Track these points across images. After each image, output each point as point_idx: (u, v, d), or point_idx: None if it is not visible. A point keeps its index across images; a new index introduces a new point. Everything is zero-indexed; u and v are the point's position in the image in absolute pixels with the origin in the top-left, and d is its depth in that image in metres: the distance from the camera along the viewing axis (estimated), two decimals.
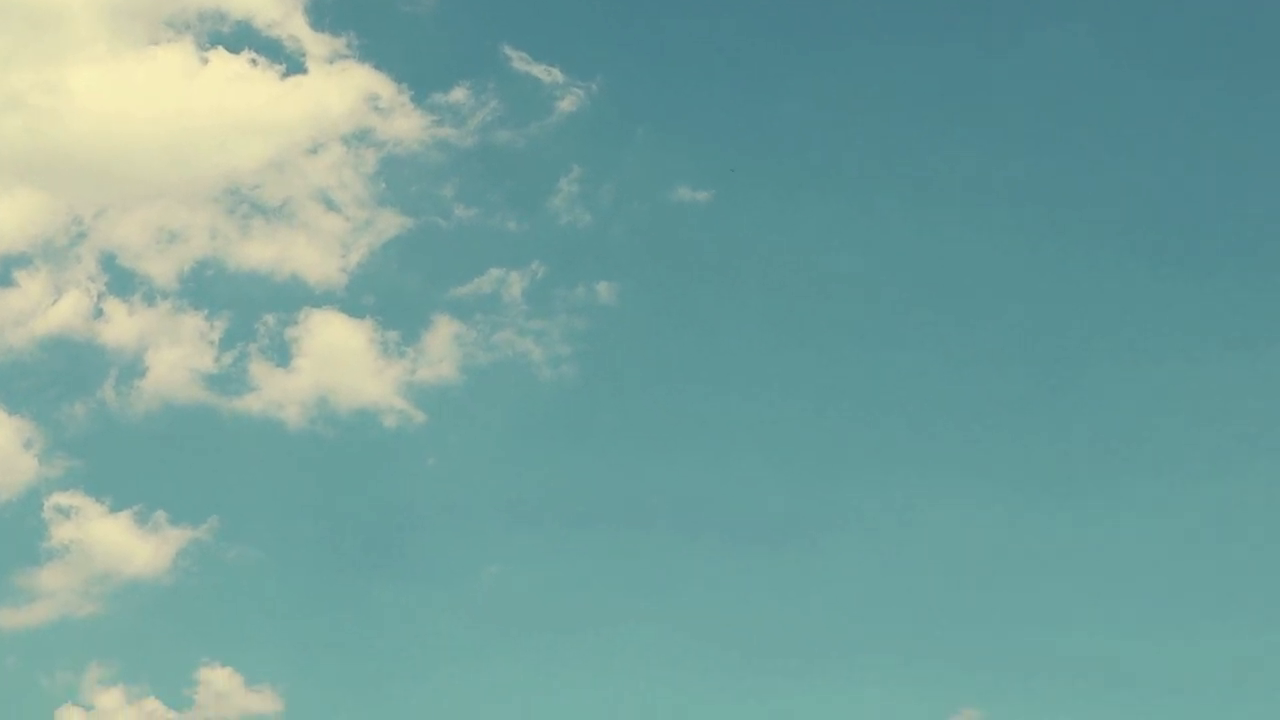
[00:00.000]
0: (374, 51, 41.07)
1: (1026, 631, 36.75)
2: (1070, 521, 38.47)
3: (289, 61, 40.71)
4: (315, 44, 40.83)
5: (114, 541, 36.43)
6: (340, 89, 40.53)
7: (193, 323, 38.81)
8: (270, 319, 38.98)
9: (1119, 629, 36.73)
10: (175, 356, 38.43)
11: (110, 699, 35.19)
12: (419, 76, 41.05)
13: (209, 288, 39.36)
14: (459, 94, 40.88)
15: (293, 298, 39.19)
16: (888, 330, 40.43)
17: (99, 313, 38.74)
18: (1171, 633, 36.90)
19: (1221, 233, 41.39)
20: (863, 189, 41.67)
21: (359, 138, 40.36)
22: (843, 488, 38.75)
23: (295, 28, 40.89)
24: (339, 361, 38.61)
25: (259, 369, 38.47)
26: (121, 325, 38.69)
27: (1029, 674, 36.22)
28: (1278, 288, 40.43)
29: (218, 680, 35.25)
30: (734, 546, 37.72)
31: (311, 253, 39.42)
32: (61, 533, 36.45)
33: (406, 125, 40.52)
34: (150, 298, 39.00)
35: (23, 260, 38.97)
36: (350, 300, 39.33)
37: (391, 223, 39.87)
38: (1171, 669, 36.43)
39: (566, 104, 40.93)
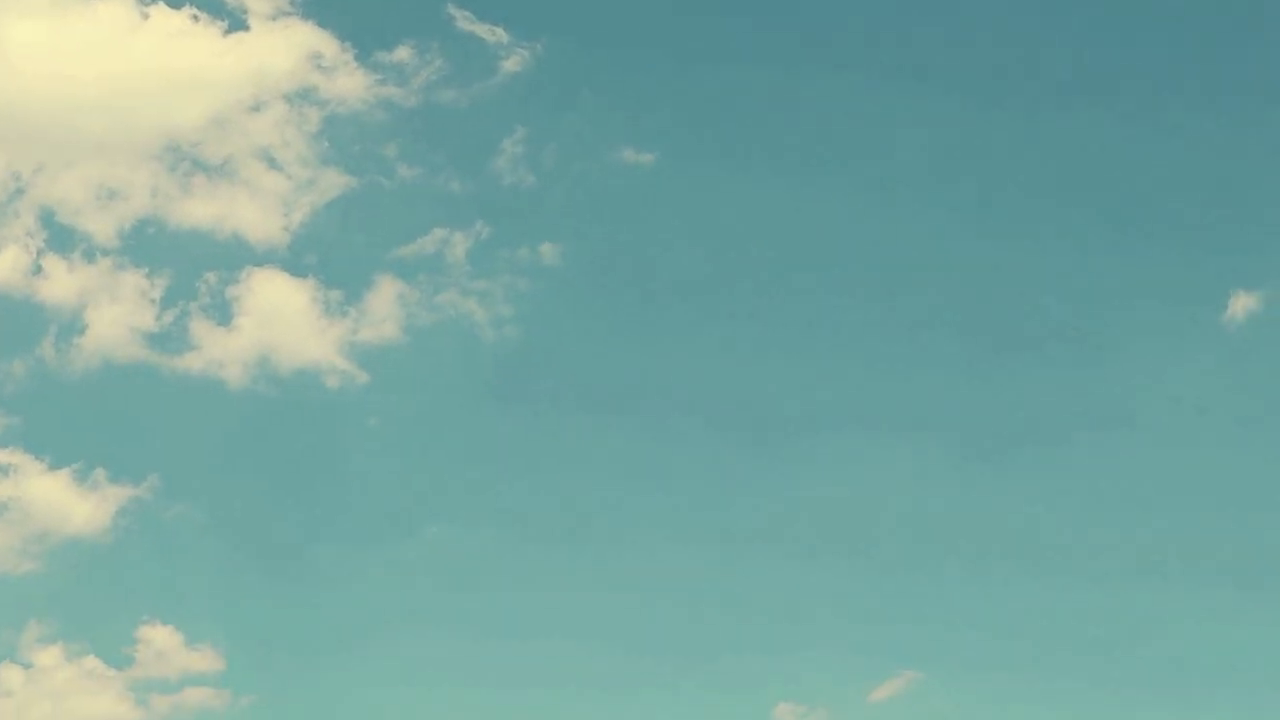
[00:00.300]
0: (317, 9, 40.80)
1: (972, 593, 37.10)
2: (1017, 480, 38.80)
3: (231, 18, 40.41)
4: (258, 1, 40.54)
5: (53, 499, 36.25)
6: (283, 47, 40.26)
7: (133, 280, 38.58)
8: (211, 277, 38.83)
9: (1073, 597, 37.07)
10: (115, 314, 38.18)
11: (49, 657, 35.08)
12: (362, 35, 40.83)
13: (150, 245, 39.12)
14: (403, 53, 40.71)
15: (234, 256, 39.04)
16: (831, 293, 40.64)
17: (38, 269, 38.47)
18: (1127, 596, 37.26)
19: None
20: (808, 154, 41.79)
21: (302, 96, 40.14)
22: (786, 448, 38.96)
23: None
24: (281, 321, 38.49)
25: (200, 328, 38.32)
26: (61, 282, 38.41)
27: (971, 639, 36.58)
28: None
29: (158, 639, 35.18)
30: (677, 504, 37.88)
31: (253, 211, 39.24)
32: (0, 490, 36.26)
33: (350, 84, 40.32)
34: (90, 255, 38.73)
35: None
36: (292, 259, 39.21)
37: (334, 182, 39.73)
38: (1126, 632, 36.84)
39: (511, 64, 40.83)
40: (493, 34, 40.91)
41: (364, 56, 40.51)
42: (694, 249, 41.07)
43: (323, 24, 40.52)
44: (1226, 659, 36.65)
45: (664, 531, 37.91)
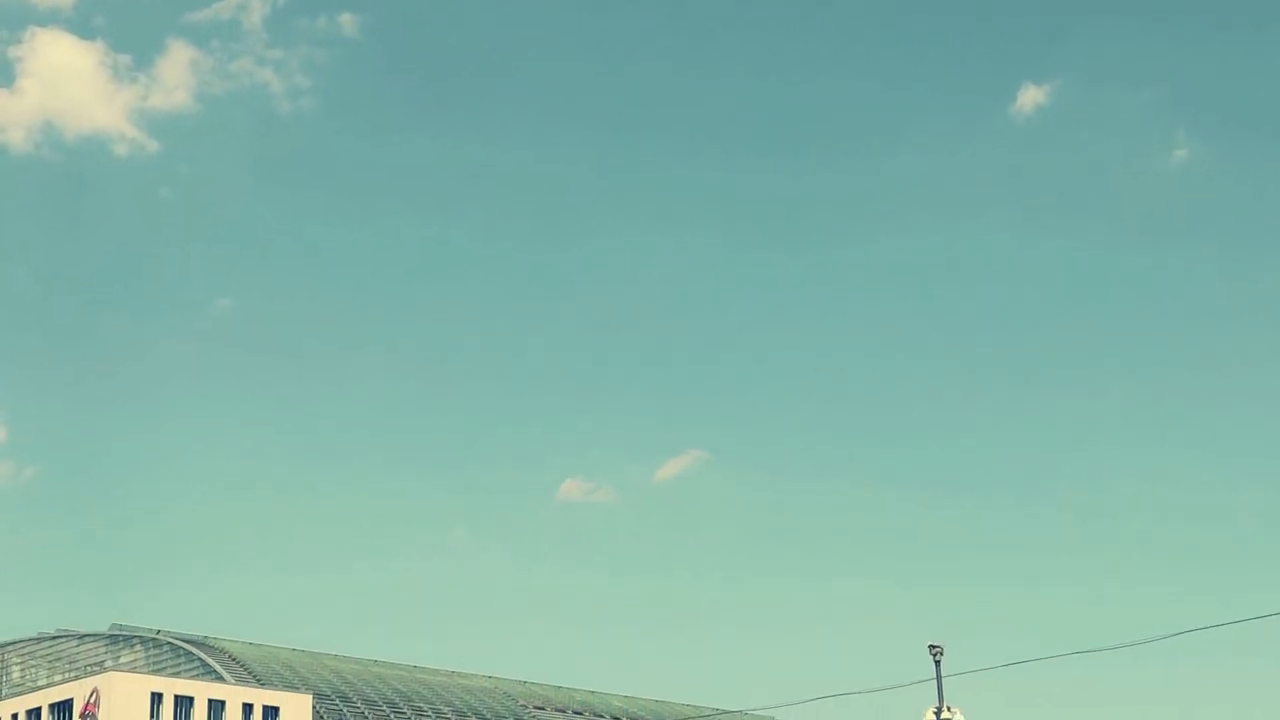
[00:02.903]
0: None
1: (758, 374, 38.15)
2: (808, 265, 39.66)
3: None
4: None
5: None
6: None
7: None
8: None
9: (858, 379, 38.26)
10: None
11: None
12: None
13: None
14: None
15: (16, 15, 38.27)
16: (634, 90, 40.73)
17: None
18: (913, 376, 38.52)
19: None
20: None
21: None
22: (576, 233, 39.35)
23: None
24: (67, 85, 37.85)
25: None
26: None
27: (757, 419, 37.72)
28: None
29: None
30: (465, 277, 38.20)
31: None
32: None
33: None
34: None
35: None
36: (79, 21, 38.41)
37: None
38: (908, 414, 38.21)
39: None
40: None
41: None
42: (496, 26, 40.86)
43: None
44: (989, 430, 38.02)
45: (450, 308, 38.35)
